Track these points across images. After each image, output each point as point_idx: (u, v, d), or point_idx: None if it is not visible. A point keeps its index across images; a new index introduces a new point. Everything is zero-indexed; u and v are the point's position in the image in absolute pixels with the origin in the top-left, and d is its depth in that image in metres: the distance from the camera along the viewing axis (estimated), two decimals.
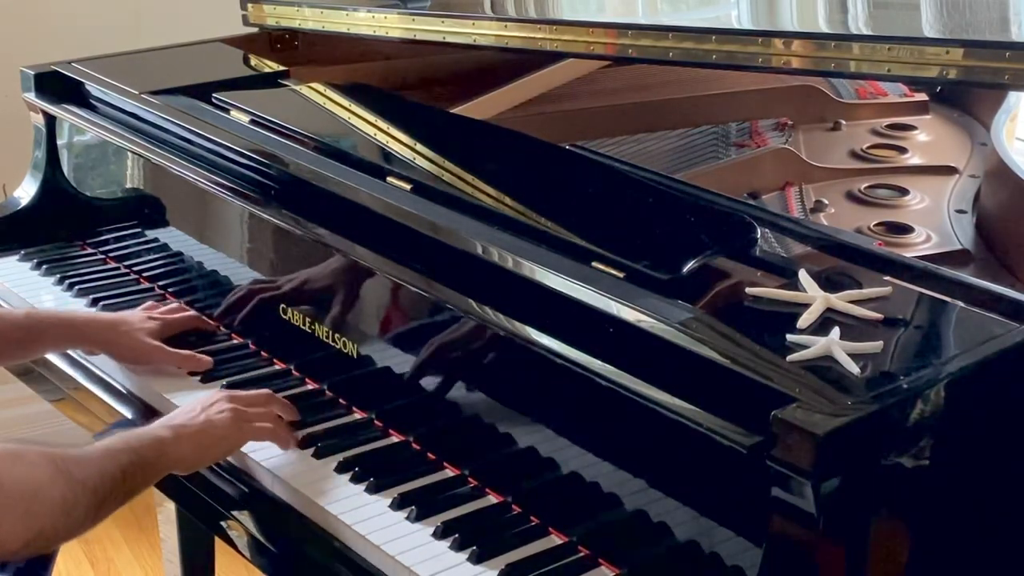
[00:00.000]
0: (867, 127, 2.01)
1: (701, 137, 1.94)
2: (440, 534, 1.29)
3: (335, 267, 1.55)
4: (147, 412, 1.58)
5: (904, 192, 1.74)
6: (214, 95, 1.84)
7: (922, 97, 2.08)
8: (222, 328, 1.73)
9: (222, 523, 1.44)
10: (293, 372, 1.62)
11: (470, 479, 1.38)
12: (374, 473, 1.38)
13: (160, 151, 1.79)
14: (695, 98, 2.01)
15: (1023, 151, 1.83)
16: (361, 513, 1.33)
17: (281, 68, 2.02)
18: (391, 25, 2.00)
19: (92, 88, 1.96)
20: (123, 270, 1.93)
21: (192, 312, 1.72)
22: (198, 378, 1.61)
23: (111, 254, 1.97)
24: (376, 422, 1.50)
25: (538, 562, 1.26)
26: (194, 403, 1.44)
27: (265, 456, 1.44)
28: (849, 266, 1.33)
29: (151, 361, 1.61)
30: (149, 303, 1.74)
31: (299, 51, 2.22)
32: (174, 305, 1.74)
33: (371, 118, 1.79)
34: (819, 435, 1.02)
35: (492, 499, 1.36)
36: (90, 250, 2.00)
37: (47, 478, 1.19)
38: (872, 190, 1.75)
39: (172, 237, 1.86)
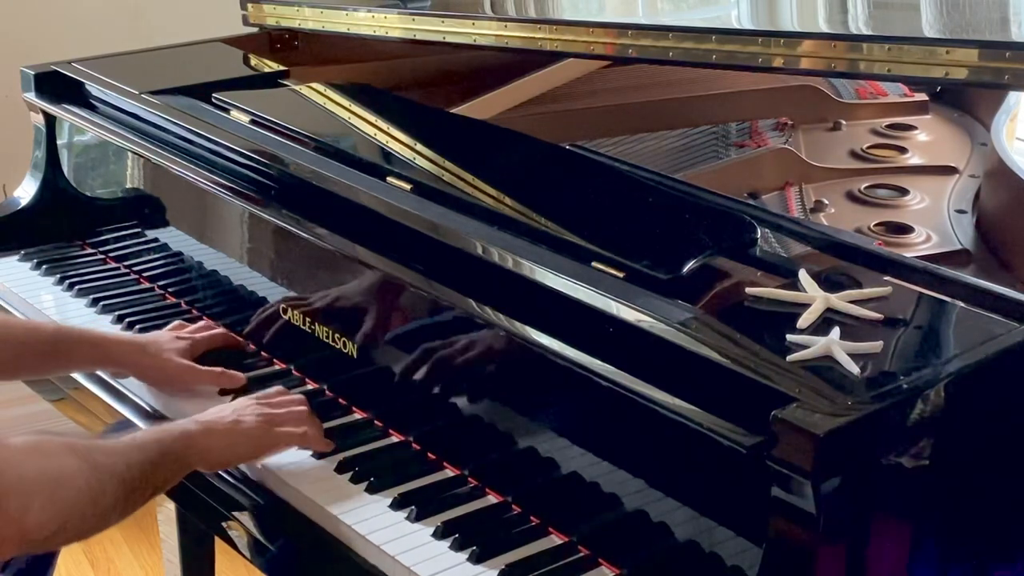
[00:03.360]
0: (867, 127, 2.01)
1: (701, 137, 1.94)
2: (440, 534, 1.29)
3: (335, 267, 1.55)
4: (147, 413, 1.58)
5: (904, 192, 1.74)
6: (214, 95, 1.84)
7: (922, 97, 2.08)
8: (222, 328, 1.72)
9: (222, 523, 1.44)
10: (293, 372, 1.62)
11: (470, 479, 1.38)
12: (374, 473, 1.39)
13: (160, 151, 1.79)
14: (695, 98, 2.01)
15: (1023, 151, 1.83)
16: (361, 513, 1.33)
17: (281, 68, 2.02)
18: (391, 25, 2.01)
19: (92, 88, 1.96)
20: (123, 270, 1.93)
21: (220, 329, 1.67)
22: None
23: (111, 254, 1.97)
24: (376, 422, 1.50)
25: (538, 562, 1.26)
26: (225, 405, 1.44)
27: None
28: (849, 266, 1.33)
29: (183, 381, 1.57)
30: (176, 323, 1.69)
31: (299, 51, 2.22)
32: (202, 324, 1.69)
33: (371, 118, 1.79)
34: (819, 435, 1.02)
35: (492, 499, 1.36)
36: (90, 250, 2.00)
37: (71, 468, 1.18)
38: (872, 190, 1.75)
39: (172, 237, 1.86)
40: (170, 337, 1.63)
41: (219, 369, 1.59)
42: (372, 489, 1.36)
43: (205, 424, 1.38)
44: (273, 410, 1.43)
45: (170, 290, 1.85)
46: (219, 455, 1.38)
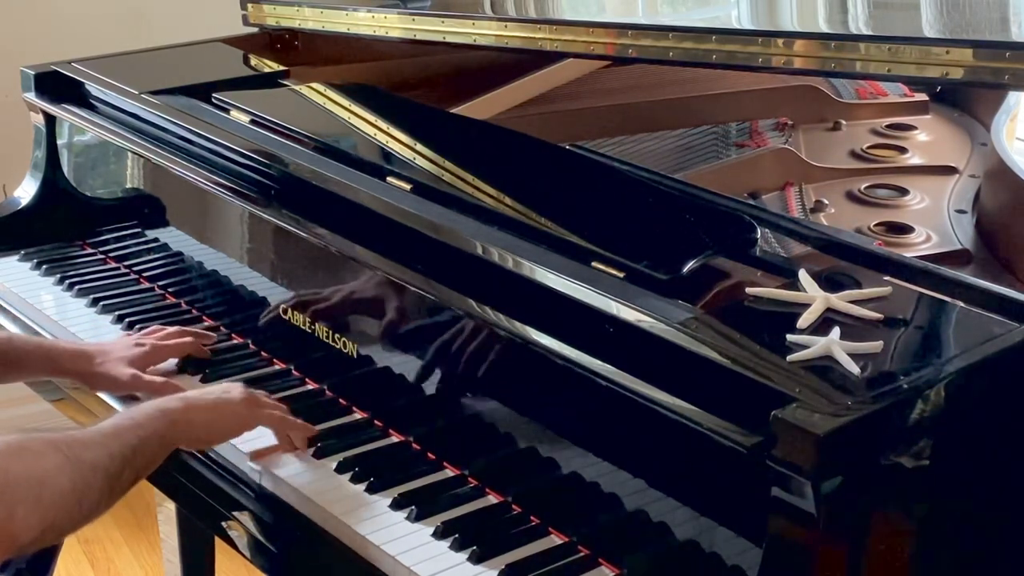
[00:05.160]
0: (867, 127, 2.01)
1: (701, 137, 1.94)
2: (440, 534, 1.29)
3: (335, 267, 1.55)
4: None
5: (904, 192, 1.74)
6: (214, 95, 1.84)
7: (922, 97, 2.08)
8: (222, 328, 1.73)
9: (222, 523, 1.43)
10: (293, 372, 1.62)
11: (470, 479, 1.38)
12: (374, 473, 1.38)
13: (160, 151, 1.79)
14: (695, 98, 2.01)
15: (1023, 151, 1.83)
16: (361, 513, 1.33)
17: (281, 68, 2.02)
18: (391, 25, 2.01)
19: (92, 88, 1.96)
20: (123, 270, 1.93)
21: (188, 339, 1.64)
22: (198, 378, 1.61)
23: (111, 254, 1.97)
24: (376, 422, 1.50)
25: (538, 562, 1.26)
26: (210, 386, 1.44)
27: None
28: (849, 266, 1.33)
29: (127, 391, 1.58)
30: (153, 328, 1.68)
31: (299, 51, 2.22)
32: (173, 330, 1.67)
33: (371, 118, 1.79)
34: (819, 435, 1.02)
35: (492, 499, 1.36)
36: (90, 250, 2.00)
37: (54, 467, 1.18)
38: (872, 190, 1.75)
39: (172, 237, 1.86)
40: (126, 345, 1.62)
41: (161, 379, 1.58)
42: (372, 489, 1.36)
43: (187, 401, 1.37)
44: (259, 395, 1.43)
45: (170, 290, 1.84)
46: (201, 433, 1.37)
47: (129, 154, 1.91)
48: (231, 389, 1.43)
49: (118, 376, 1.57)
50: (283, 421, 1.44)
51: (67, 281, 1.88)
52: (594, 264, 1.32)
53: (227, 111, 1.81)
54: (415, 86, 2.14)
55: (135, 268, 1.91)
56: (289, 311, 1.60)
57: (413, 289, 1.43)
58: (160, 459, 1.33)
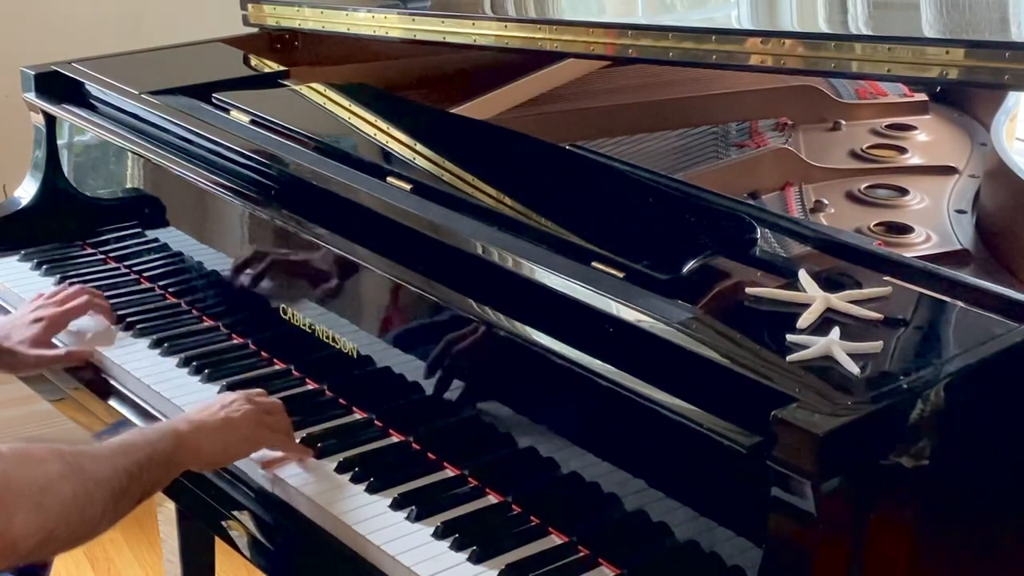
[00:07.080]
0: (867, 127, 2.01)
1: (701, 137, 1.94)
2: (440, 534, 1.29)
3: (335, 267, 1.55)
4: (147, 413, 1.58)
5: (904, 192, 1.74)
6: (214, 95, 1.84)
7: (922, 97, 2.08)
8: (222, 327, 1.73)
9: (222, 523, 1.44)
10: (293, 372, 1.62)
11: (470, 479, 1.39)
12: (374, 473, 1.39)
13: (160, 151, 1.79)
14: (695, 98, 2.01)
15: (1023, 151, 1.83)
16: (361, 513, 1.33)
17: (281, 68, 2.02)
18: (391, 25, 2.01)
19: (92, 88, 1.96)
20: (123, 270, 1.93)
21: (84, 299, 1.71)
22: (199, 378, 1.61)
23: (111, 254, 1.97)
24: (376, 422, 1.50)
25: (538, 562, 1.26)
26: (213, 400, 1.44)
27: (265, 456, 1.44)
28: (849, 266, 1.33)
29: (37, 369, 1.64)
30: (36, 295, 1.74)
31: (299, 51, 2.22)
32: (67, 292, 1.73)
33: (371, 118, 1.79)
34: (819, 435, 1.02)
35: (492, 499, 1.36)
36: (90, 250, 2.00)
37: (57, 474, 1.17)
38: (872, 190, 1.75)
39: (172, 237, 1.86)
40: (24, 322, 1.68)
41: (64, 350, 1.65)
42: (372, 489, 1.37)
43: (195, 422, 1.36)
44: (260, 410, 1.42)
45: (170, 290, 1.85)
46: (210, 454, 1.37)
47: (129, 154, 1.91)
48: (237, 407, 1.41)
49: (24, 359, 1.64)
50: (285, 445, 1.43)
51: (67, 281, 1.88)
52: (594, 264, 1.32)
53: (227, 111, 1.81)
54: (415, 86, 2.14)
55: (135, 268, 1.91)
56: (289, 311, 1.60)
57: (413, 289, 1.43)
58: (167, 480, 1.33)
